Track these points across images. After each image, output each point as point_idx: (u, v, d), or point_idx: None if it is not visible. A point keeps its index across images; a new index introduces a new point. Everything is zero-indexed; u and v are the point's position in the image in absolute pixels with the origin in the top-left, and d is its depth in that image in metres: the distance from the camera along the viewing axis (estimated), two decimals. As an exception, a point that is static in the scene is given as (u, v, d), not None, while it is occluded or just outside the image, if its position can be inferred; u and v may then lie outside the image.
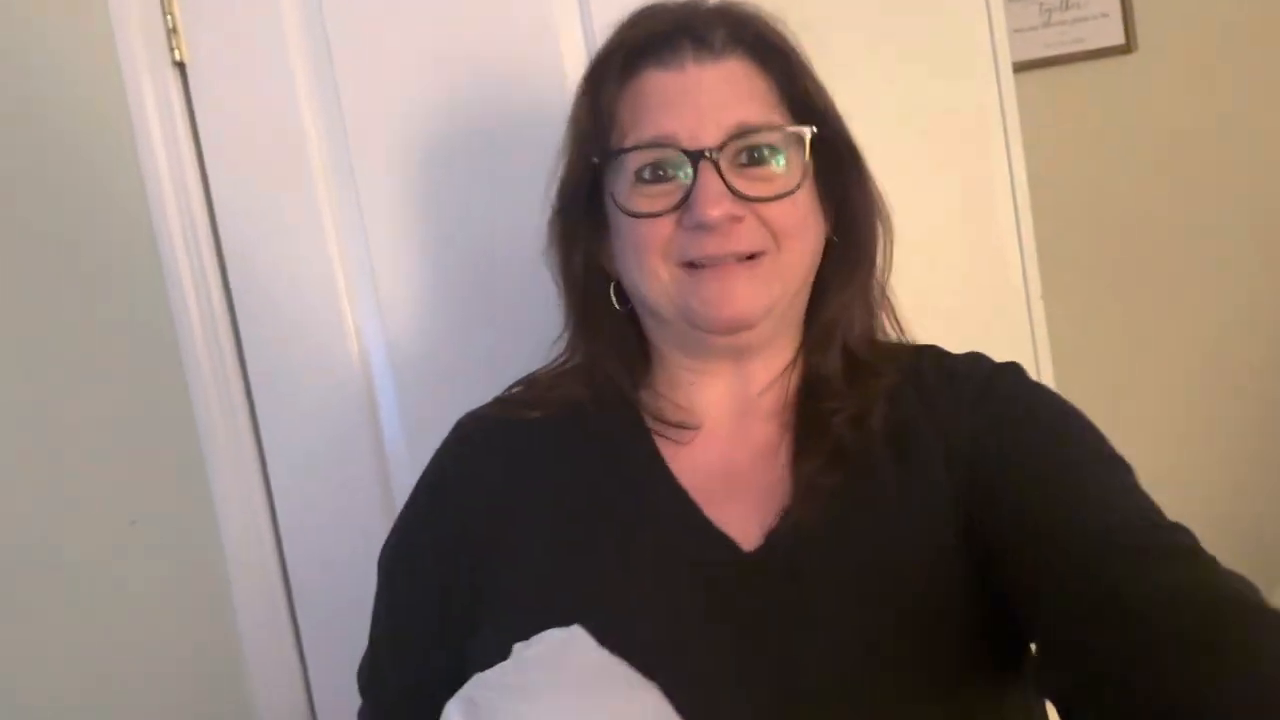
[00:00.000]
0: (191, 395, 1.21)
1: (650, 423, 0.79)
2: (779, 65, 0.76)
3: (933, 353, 0.81)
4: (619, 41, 0.77)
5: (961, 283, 1.31)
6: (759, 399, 0.79)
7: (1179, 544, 0.61)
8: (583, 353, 0.83)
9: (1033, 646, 0.67)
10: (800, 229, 0.74)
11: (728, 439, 0.78)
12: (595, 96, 0.76)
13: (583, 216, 0.79)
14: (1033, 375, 0.78)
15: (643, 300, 0.77)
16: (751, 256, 0.72)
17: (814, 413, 0.76)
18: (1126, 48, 2.22)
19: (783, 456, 0.76)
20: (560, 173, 0.81)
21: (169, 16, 1.19)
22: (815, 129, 0.74)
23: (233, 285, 1.22)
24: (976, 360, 0.79)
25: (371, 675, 0.86)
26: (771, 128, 0.73)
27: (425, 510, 0.82)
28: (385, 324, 1.21)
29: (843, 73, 1.26)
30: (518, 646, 0.65)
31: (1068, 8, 2.22)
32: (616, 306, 0.80)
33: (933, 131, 1.31)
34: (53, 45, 1.16)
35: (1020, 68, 2.10)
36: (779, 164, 0.73)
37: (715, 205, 0.70)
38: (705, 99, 0.72)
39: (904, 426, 0.74)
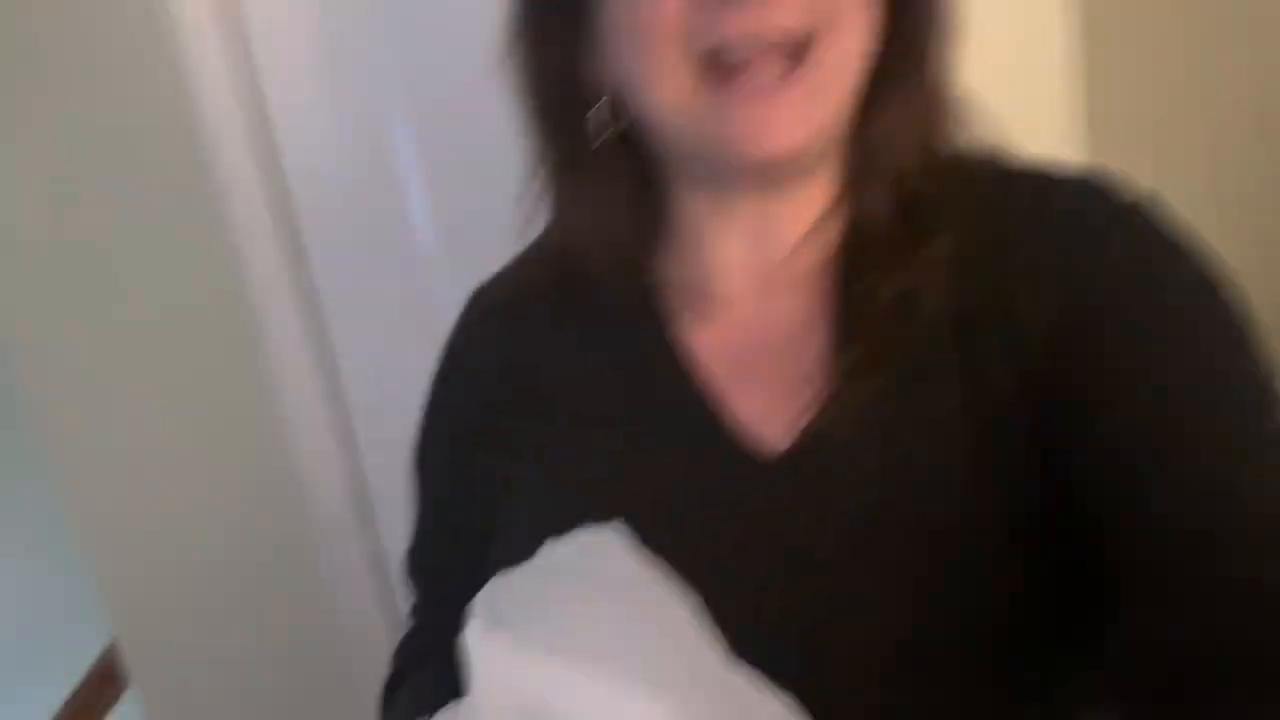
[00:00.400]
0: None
1: (658, 292, 0.64)
2: None
3: (1028, 180, 0.57)
4: None
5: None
6: (791, 259, 0.61)
7: None
8: (560, 203, 0.64)
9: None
10: (855, 5, 0.54)
11: (752, 312, 0.62)
12: None
13: (556, 12, 0.59)
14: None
15: (647, 115, 0.57)
16: (793, 47, 0.53)
17: (858, 282, 0.58)
18: None
19: (819, 336, 0.59)
20: None
21: None
22: None
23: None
24: (1089, 195, 0.55)
25: (418, 568, 0.79)
26: None
27: (436, 402, 0.74)
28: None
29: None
30: (548, 544, 0.55)
31: None
32: (609, 130, 0.60)
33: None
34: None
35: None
36: None
37: None
38: None
39: (973, 301, 0.54)
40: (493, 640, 0.49)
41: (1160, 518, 0.46)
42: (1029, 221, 0.55)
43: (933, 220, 0.56)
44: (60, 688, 1.40)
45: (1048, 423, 0.51)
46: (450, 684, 0.53)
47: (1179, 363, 0.49)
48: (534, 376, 0.66)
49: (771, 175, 0.57)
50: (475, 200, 1.17)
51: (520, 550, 0.53)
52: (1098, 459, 0.49)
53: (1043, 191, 0.56)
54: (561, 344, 0.66)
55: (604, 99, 0.59)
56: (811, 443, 0.56)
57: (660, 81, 0.54)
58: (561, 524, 0.54)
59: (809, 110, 0.53)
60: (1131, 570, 0.47)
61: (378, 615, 1.38)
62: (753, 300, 0.62)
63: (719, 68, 0.53)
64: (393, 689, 0.76)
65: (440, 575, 0.74)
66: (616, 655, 0.47)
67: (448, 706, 0.52)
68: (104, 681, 1.41)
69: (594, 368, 0.64)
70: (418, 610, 0.79)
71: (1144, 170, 0.62)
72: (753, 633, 0.49)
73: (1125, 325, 0.50)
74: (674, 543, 0.52)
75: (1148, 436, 0.48)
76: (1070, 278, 0.52)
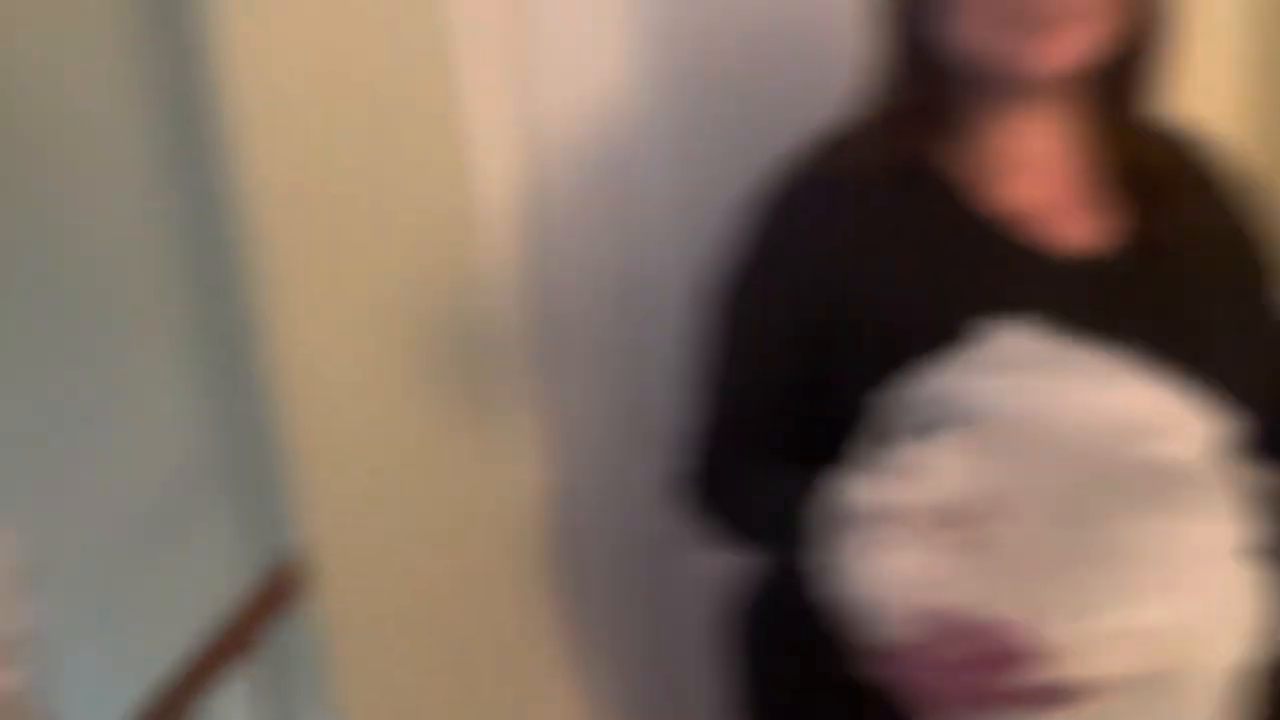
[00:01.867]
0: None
1: (969, 171, 0.87)
2: None
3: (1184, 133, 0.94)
4: None
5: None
6: (1069, 144, 0.89)
7: None
8: (905, 105, 0.87)
9: None
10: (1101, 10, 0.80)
11: (1047, 179, 0.88)
12: None
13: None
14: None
15: (958, 51, 0.82)
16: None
17: (1127, 157, 0.89)
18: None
19: (1098, 192, 0.89)
20: None
21: None
22: None
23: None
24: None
25: (720, 403, 0.96)
26: None
27: (772, 258, 0.91)
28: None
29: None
30: (978, 340, 0.78)
31: None
32: (937, 62, 0.84)
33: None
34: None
35: None
36: None
37: None
38: None
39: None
40: (995, 380, 0.73)
41: None
42: (1206, 157, 0.93)
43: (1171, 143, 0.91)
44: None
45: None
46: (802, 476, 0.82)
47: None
48: (881, 235, 0.86)
49: (1043, 91, 0.84)
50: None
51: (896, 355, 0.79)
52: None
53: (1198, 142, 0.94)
54: (893, 212, 0.86)
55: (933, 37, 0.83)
56: (1131, 252, 0.86)
57: (967, 29, 0.80)
58: (934, 341, 0.78)
59: (1075, 43, 0.79)
60: None
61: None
62: (1044, 171, 0.88)
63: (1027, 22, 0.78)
64: (716, 479, 0.94)
65: (754, 409, 0.93)
66: (1090, 377, 0.73)
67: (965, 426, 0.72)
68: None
69: (926, 220, 0.86)
70: (715, 438, 0.96)
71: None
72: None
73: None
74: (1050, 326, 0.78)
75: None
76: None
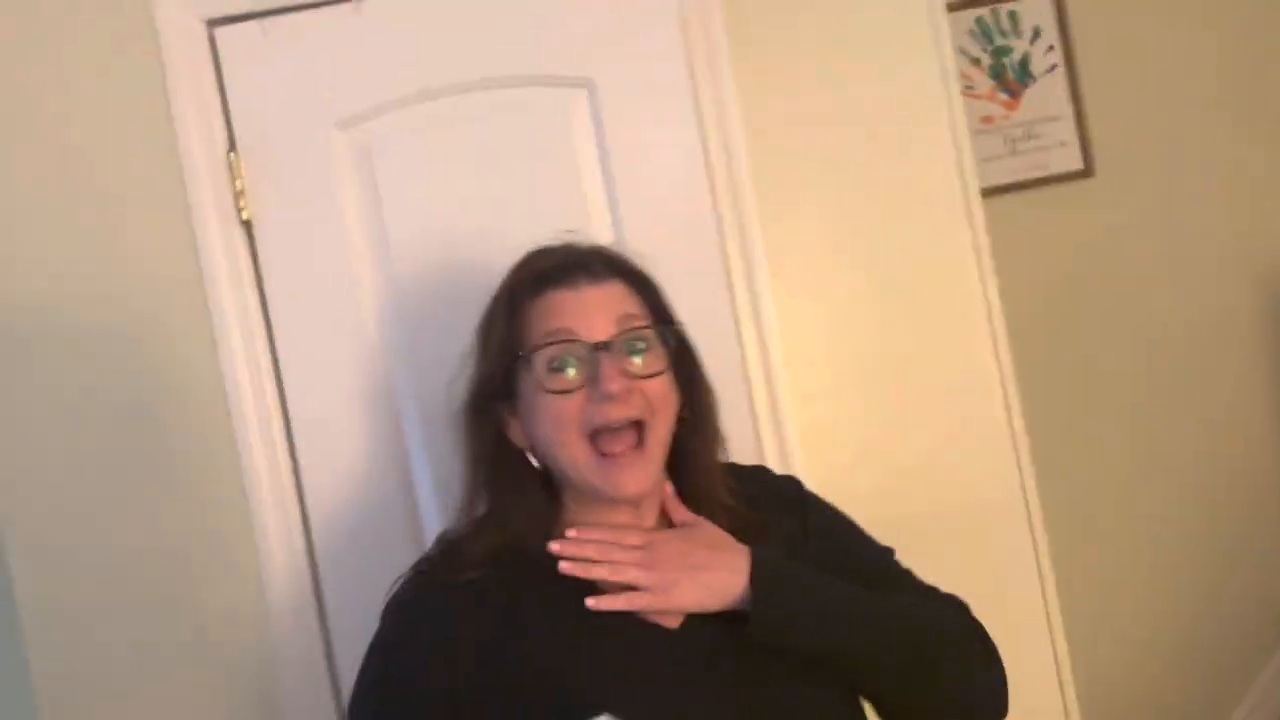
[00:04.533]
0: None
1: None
2: (643, 286, 1.04)
3: (757, 472, 1.16)
4: (528, 271, 1.03)
5: (945, 403, 1.46)
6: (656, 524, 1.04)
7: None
8: (495, 506, 1.03)
9: None
10: (667, 401, 1.01)
11: None
12: (512, 309, 1.01)
13: (498, 400, 1.02)
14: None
15: (557, 466, 1.00)
16: (637, 424, 0.97)
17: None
18: (1086, 172, 2.42)
19: None
20: (476, 369, 1.04)
21: (238, 180, 1.36)
22: (673, 329, 1.03)
23: (292, 413, 1.37)
24: (789, 479, 1.16)
25: None
26: (645, 325, 1.00)
27: (400, 666, 1.00)
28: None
29: (823, 214, 1.44)
30: None
31: (1030, 137, 2.43)
32: (535, 466, 1.02)
33: (909, 263, 1.47)
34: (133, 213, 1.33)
35: (988, 193, 2.31)
36: (651, 353, 1.00)
37: (615, 380, 0.95)
38: (597, 307, 0.98)
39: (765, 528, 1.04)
40: None
41: None
42: (773, 490, 1.12)
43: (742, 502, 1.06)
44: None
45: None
46: None
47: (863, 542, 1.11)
48: (494, 632, 0.97)
49: (630, 502, 1.01)
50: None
51: None
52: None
53: (755, 469, 1.16)
54: (509, 604, 0.98)
55: (528, 448, 1.02)
56: (692, 621, 0.98)
57: (566, 450, 0.98)
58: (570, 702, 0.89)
59: (649, 468, 0.99)
60: None
61: None
62: None
63: (598, 440, 0.97)
64: None
65: None
66: None
67: None
68: None
69: (540, 614, 0.98)
70: None
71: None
72: None
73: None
74: (635, 702, 0.90)
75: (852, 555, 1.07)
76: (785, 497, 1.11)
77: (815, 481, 1.16)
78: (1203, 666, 2.45)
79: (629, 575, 0.95)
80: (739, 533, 1.01)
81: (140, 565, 1.35)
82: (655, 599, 0.95)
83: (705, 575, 0.96)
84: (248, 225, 1.37)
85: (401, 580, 1.03)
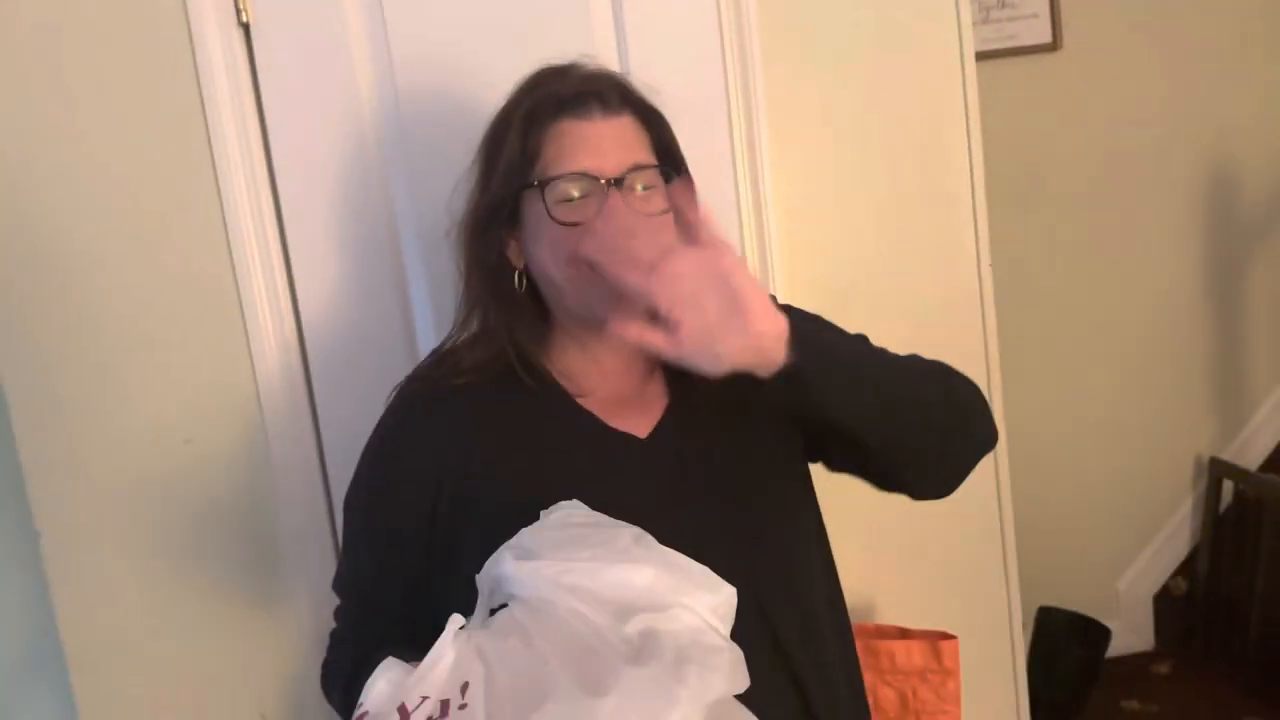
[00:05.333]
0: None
1: (558, 376, 1.05)
2: (653, 121, 1.05)
3: None
4: (543, 94, 1.02)
5: (919, 255, 1.52)
6: (634, 355, 1.07)
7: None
8: (494, 323, 1.05)
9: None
10: (670, 237, 0.96)
11: (614, 386, 1.07)
12: (525, 133, 1.01)
13: (500, 221, 1.03)
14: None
15: (553, 286, 1.02)
16: None
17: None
18: (1054, 45, 2.46)
19: (658, 385, 1.08)
20: (481, 188, 1.05)
21: (238, -15, 1.31)
22: (678, 172, 1.04)
23: (287, 225, 1.36)
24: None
25: (355, 596, 1.09)
26: (654, 167, 1.02)
27: (390, 462, 1.06)
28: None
29: (821, 62, 1.46)
30: (543, 515, 0.91)
31: (1003, 6, 2.44)
32: (522, 288, 1.04)
33: (897, 116, 1.50)
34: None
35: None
36: (658, 191, 1.01)
37: (623, 217, 0.97)
38: (611, 142, 1.00)
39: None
40: (526, 563, 0.84)
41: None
42: None
43: None
44: None
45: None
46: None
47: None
48: (485, 431, 1.02)
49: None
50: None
51: (500, 539, 0.88)
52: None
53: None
54: (497, 408, 1.03)
55: (521, 267, 1.04)
56: (662, 432, 1.04)
57: (562, 273, 0.99)
58: (531, 515, 0.91)
59: None
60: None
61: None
62: (612, 380, 1.06)
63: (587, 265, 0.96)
64: (344, 675, 1.00)
65: (378, 604, 1.06)
66: (607, 555, 0.84)
67: (505, 608, 0.85)
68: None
69: (524, 416, 1.03)
70: (352, 628, 1.09)
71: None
72: (666, 537, 0.88)
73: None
74: (607, 500, 0.93)
75: None
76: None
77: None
78: (1127, 500, 2.68)
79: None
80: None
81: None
82: (695, 344, 0.83)
83: (750, 325, 0.83)
84: (246, 29, 1.33)
85: (397, 388, 1.07)
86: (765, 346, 0.85)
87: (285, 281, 1.37)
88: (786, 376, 0.86)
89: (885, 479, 1.03)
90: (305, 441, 1.38)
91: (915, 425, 0.97)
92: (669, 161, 1.05)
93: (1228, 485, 2.67)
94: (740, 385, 1.03)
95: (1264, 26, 2.57)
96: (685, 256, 0.83)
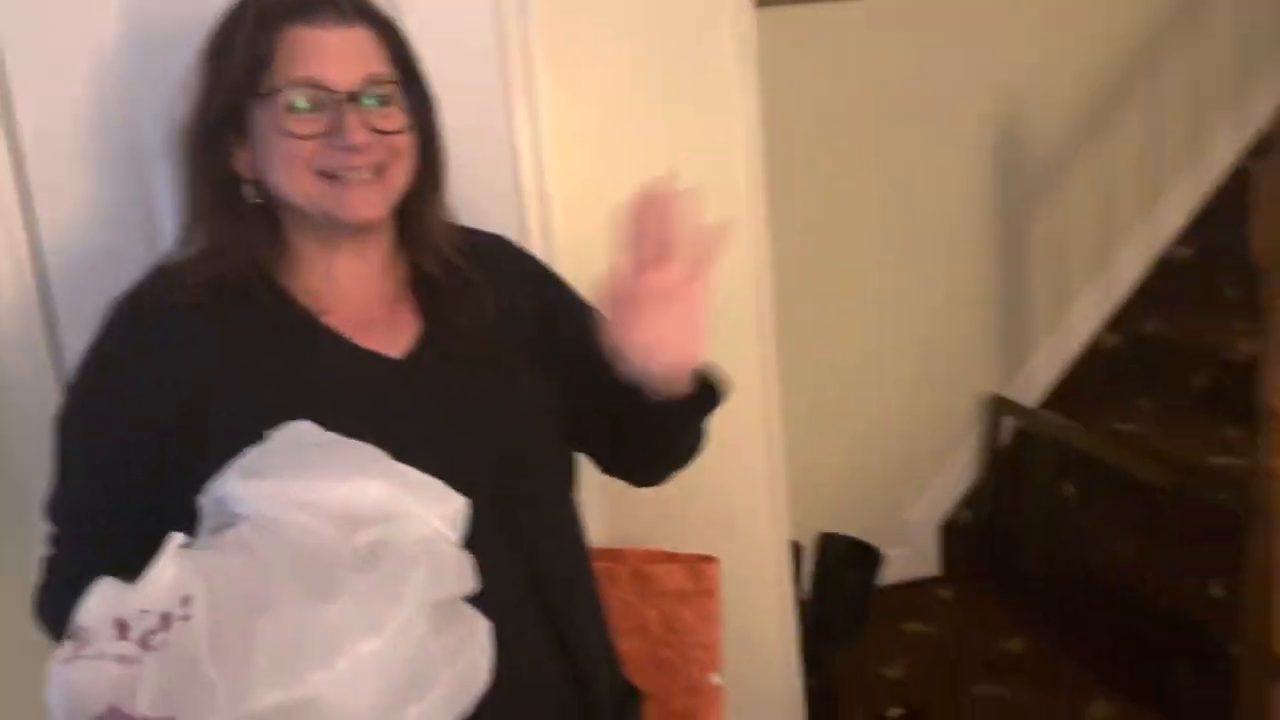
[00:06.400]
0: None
1: (298, 293, 1.02)
2: (389, 34, 1.02)
3: (482, 234, 1.17)
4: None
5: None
6: (379, 273, 1.07)
7: None
8: (224, 238, 1.01)
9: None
10: (406, 154, 1.02)
11: (359, 302, 1.05)
12: (253, 38, 0.96)
13: (227, 129, 0.99)
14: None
15: (286, 199, 0.99)
16: (377, 167, 0.98)
17: (430, 287, 1.08)
18: (856, -6, 2.53)
19: (409, 309, 1.07)
20: (205, 94, 1.00)
21: None
22: (415, 86, 1.03)
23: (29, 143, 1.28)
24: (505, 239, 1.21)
25: (72, 522, 1.03)
26: (391, 80, 1.00)
27: (110, 382, 1.01)
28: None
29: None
30: (267, 435, 0.89)
31: (806, -47, 2.49)
32: (257, 200, 1.01)
33: (676, 65, 1.51)
34: None
35: (768, 3, 2.37)
36: (395, 107, 1.00)
37: (358, 133, 0.96)
38: (346, 54, 0.97)
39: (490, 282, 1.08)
40: (253, 483, 0.83)
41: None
42: (494, 249, 1.16)
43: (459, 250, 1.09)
44: None
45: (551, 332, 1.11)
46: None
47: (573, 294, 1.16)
48: (213, 357, 0.98)
49: (360, 231, 1.02)
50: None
51: (232, 454, 0.86)
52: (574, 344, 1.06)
53: (494, 239, 1.18)
54: (229, 331, 0.99)
55: (252, 181, 1.01)
56: (416, 354, 1.04)
57: (298, 184, 0.98)
58: (278, 418, 0.90)
59: (381, 198, 1.00)
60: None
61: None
62: (356, 298, 1.04)
63: (333, 177, 0.97)
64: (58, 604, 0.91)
65: (98, 530, 0.99)
66: (336, 472, 0.85)
67: (233, 527, 0.83)
68: None
69: (262, 340, 1.00)
70: (67, 556, 1.01)
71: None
72: (405, 455, 0.88)
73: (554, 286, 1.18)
74: (347, 418, 0.91)
75: (589, 333, 1.01)
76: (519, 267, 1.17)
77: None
78: (916, 436, 2.83)
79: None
80: (451, 287, 1.06)
81: None
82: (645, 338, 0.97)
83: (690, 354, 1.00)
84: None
85: (114, 304, 1.02)
86: (680, 375, 1.00)
87: (16, 201, 1.28)
88: (670, 401, 1.01)
89: (616, 470, 1.17)
90: (42, 369, 1.31)
91: (680, 453, 1.13)
92: (406, 75, 1.02)
93: (1008, 421, 2.86)
94: (500, 322, 1.07)
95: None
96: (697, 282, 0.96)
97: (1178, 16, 2.78)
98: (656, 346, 0.96)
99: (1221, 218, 2.76)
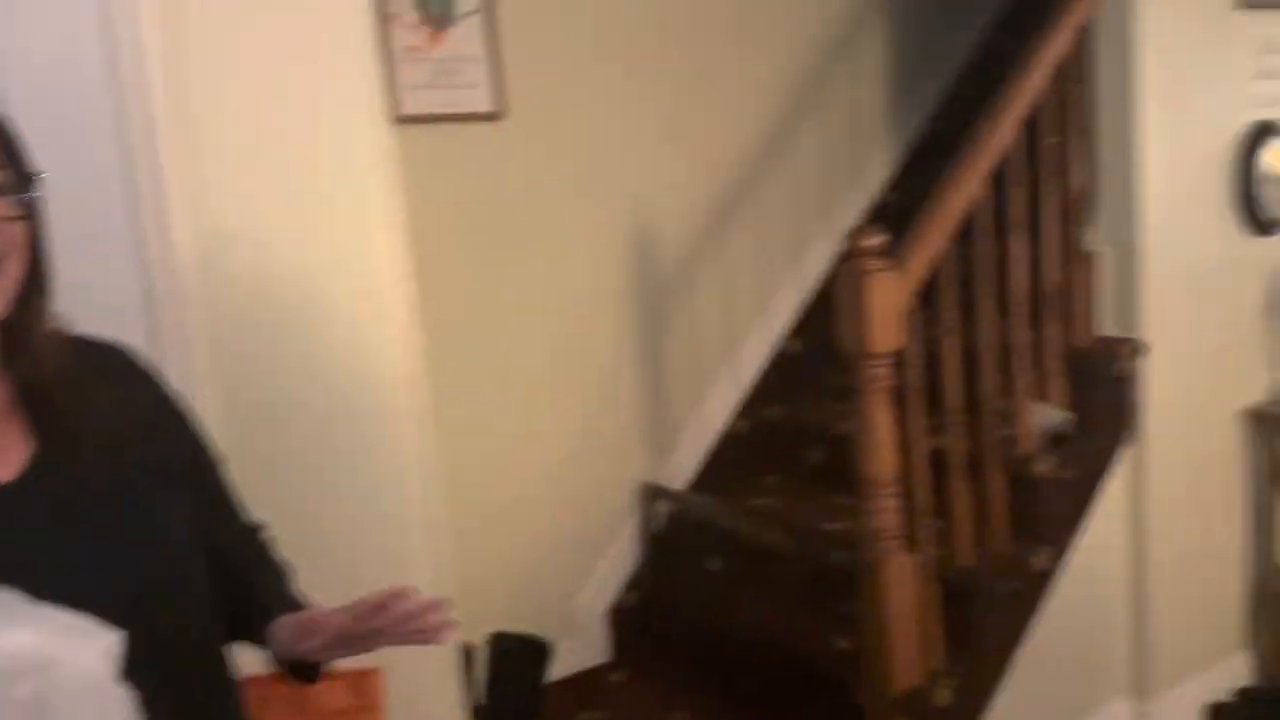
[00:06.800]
0: None
1: None
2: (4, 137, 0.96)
3: (96, 342, 1.10)
4: None
5: (346, 309, 1.57)
6: None
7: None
8: None
9: None
10: (22, 248, 0.95)
11: None
12: None
13: None
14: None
15: None
16: None
17: (42, 397, 0.99)
18: (498, 115, 2.68)
19: (18, 428, 0.98)
20: None
21: None
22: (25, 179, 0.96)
23: None
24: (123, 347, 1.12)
25: None
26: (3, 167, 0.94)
27: None
28: None
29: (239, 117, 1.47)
30: None
31: (447, 74, 2.62)
32: None
33: (321, 175, 1.55)
34: None
35: (409, 120, 2.47)
36: (6, 200, 0.92)
37: None
38: None
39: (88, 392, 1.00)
40: None
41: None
42: (117, 358, 1.10)
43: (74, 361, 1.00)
44: None
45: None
46: None
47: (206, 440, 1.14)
48: None
49: None
50: None
51: None
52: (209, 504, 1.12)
53: (117, 347, 1.10)
54: None
55: None
56: (31, 475, 0.95)
57: None
58: None
59: (2, 297, 0.92)
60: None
61: None
62: None
63: None
64: None
65: None
66: None
67: None
68: None
69: None
70: None
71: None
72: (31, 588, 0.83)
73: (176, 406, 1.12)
74: None
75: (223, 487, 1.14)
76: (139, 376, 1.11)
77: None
78: (575, 527, 2.94)
79: None
80: (66, 400, 0.98)
81: None
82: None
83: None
84: None
85: None
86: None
87: None
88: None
89: (237, 638, 1.15)
90: None
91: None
92: (14, 166, 0.96)
93: (661, 505, 3.06)
94: (129, 433, 1.00)
95: (680, 121, 3.03)
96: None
97: (774, 145, 3.23)
98: (327, 653, 1.10)
99: (821, 314, 3.18)
